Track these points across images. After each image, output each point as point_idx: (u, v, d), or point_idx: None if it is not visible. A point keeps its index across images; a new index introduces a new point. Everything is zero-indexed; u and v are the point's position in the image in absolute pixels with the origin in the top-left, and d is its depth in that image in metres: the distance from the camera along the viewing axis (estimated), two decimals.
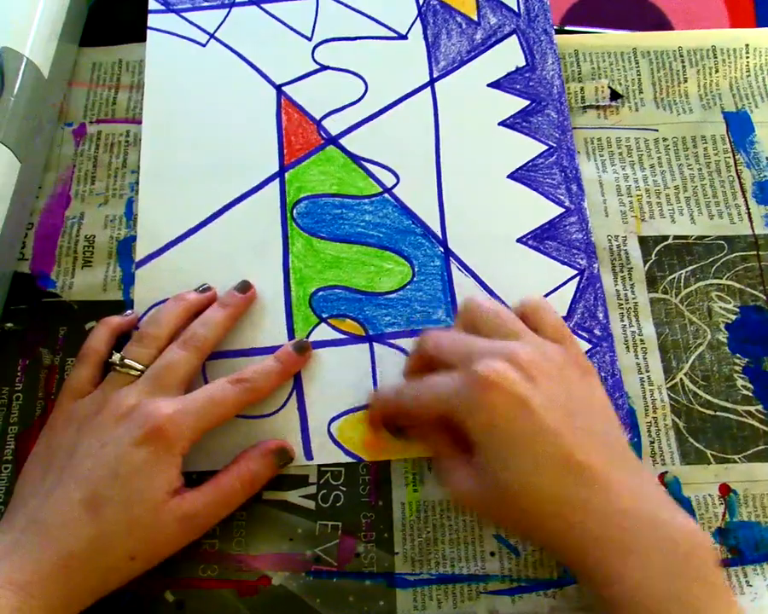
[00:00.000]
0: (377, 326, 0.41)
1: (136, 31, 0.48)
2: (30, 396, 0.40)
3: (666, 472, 0.38)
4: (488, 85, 0.46)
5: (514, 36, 0.47)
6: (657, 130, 0.46)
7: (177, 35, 0.47)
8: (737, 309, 0.42)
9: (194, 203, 0.43)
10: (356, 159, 0.44)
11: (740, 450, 0.39)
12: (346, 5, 0.48)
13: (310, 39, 0.47)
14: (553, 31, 0.48)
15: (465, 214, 0.43)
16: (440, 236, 0.43)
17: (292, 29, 0.47)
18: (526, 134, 0.45)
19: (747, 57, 0.48)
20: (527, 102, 0.46)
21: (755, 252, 0.43)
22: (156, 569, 0.35)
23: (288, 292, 0.41)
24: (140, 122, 0.46)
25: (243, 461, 0.36)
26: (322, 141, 0.44)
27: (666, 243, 0.43)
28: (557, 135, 0.45)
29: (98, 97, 0.47)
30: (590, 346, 0.41)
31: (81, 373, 0.38)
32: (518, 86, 0.46)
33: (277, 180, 0.44)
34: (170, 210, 0.43)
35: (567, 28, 0.49)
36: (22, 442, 0.39)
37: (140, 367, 0.37)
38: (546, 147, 0.45)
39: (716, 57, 0.48)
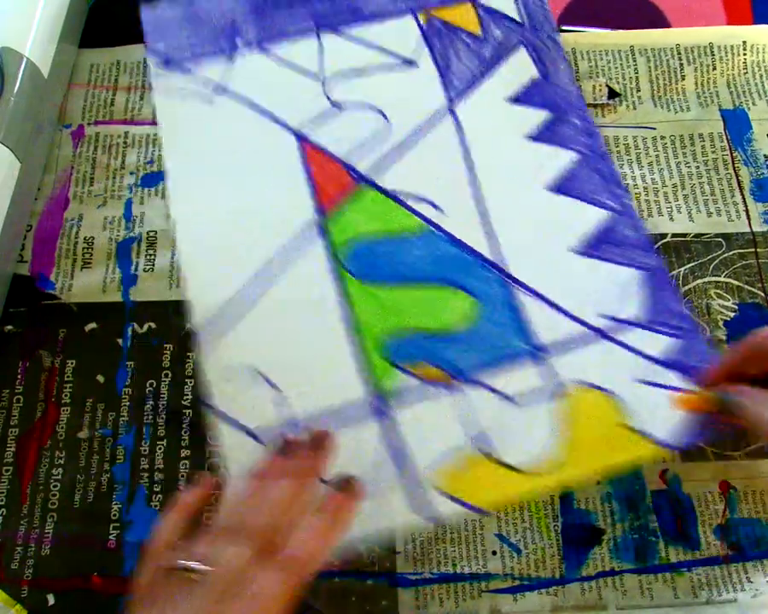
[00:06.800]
0: (457, 366, 0.39)
1: (134, 33, 0.47)
2: (30, 398, 0.39)
3: (667, 470, 0.39)
4: (507, 101, 0.45)
5: (522, 47, 0.47)
6: (655, 128, 0.46)
7: (184, 91, 0.45)
8: (736, 307, 0.42)
9: (238, 268, 0.41)
10: (393, 196, 0.43)
11: (740, 447, 0.39)
12: (349, 37, 0.47)
13: (320, 79, 0.45)
14: (559, 37, 0.47)
15: (515, 234, 0.42)
16: (495, 261, 0.41)
17: (299, 70, 0.46)
18: (556, 144, 0.44)
19: (745, 54, 0.48)
20: (549, 113, 0.45)
21: (753, 250, 0.43)
22: None
23: (357, 345, 0.39)
24: (138, 123, 0.46)
25: None
26: (356, 183, 0.43)
27: (664, 241, 0.43)
28: (585, 140, 0.44)
29: (96, 99, 0.47)
30: (678, 340, 0.39)
31: None
32: (536, 98, 0.45)
33: (319, 230, 0.42)
34: (215, 275, 0.41)
35: (564, 28, 0.49)
36: (23, 444, 0.39)
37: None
38: (578, 155, 0.44)
39: (713, 55, 0.48)
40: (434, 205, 0.42)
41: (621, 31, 0.49)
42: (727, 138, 0.46)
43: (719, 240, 0.43)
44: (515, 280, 0.41)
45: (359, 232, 0.42)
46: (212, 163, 0.44)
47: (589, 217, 0.42)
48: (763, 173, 0.45)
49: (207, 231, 0.42)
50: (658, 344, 0.39)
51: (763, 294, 0.42)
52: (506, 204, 0.43)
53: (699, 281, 0.42)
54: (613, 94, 0.47)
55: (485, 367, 0.39)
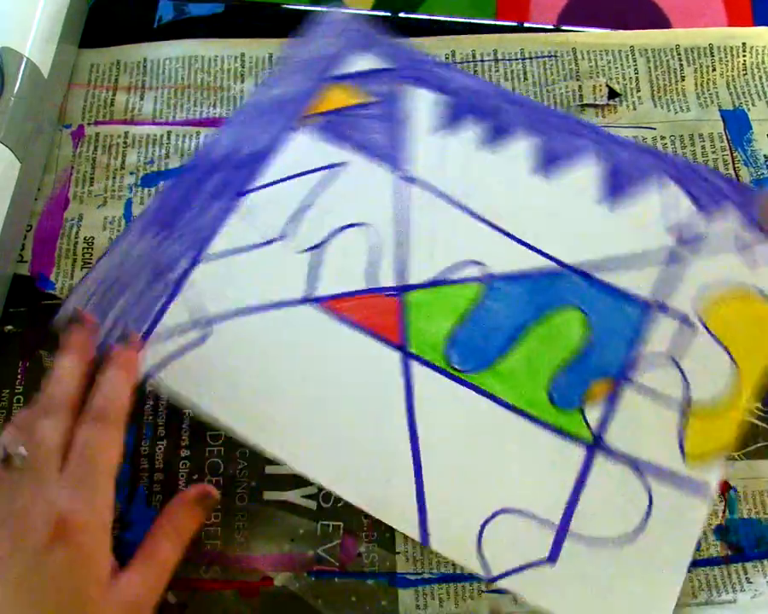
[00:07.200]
0: (618, 367, 0.39)
1: (134, 33, 0.48)
2: (31, 398, 0.39)
3: None
4: (447, 135, 0.44)
5: (412, 85, 0.45)
6: (655, 129, 0.46)
7: (175, 352, 0.39)
8: None
9: (387, 465, 0.38)
10: (437, 281, 0.41)
11: (739, 447, 0.39)
12: (265, 185, 0.43)
13: (281, 236, 0.42)
14: (432, 57, 0.47)
15: (550, 234, 0.42)
16: (559, 268, 0.41)
17: (254, 246, 0.41)
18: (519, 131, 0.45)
19: (744, 55, 0.48)
20: (491, 123, 0.45)
21: None
22: None
23: (539, 422, 0.38)
24: (138, 123, 0.46)
25: (166, 518, 0.34)
26: (397, 297, 0.40)
27: None
28: (538, 118, 0.45)
29: (96, 99, 0.47)
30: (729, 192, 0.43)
31: None
32: (471, 117, 0.45)
33: (410, 361, 0.39)
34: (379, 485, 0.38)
35: (564, 28, 0.49)
36: None
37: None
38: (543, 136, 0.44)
39: (713, 55, 0.48)
40: (475, 262, 0.41)
41: (621, 31, 0.49)
42: (727, 138, 0.46)
43: None
44: (586, 269, 0.41)
45: (439, 334, 0.40)
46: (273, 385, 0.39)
47: (587, 173, 0.43)
48: (763, 173, 0.45)
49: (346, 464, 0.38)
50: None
51: None
52: (512, 212, 0.43)
53: None
54: (613, 94, 0.47)
55: (633, 347, 0.39)
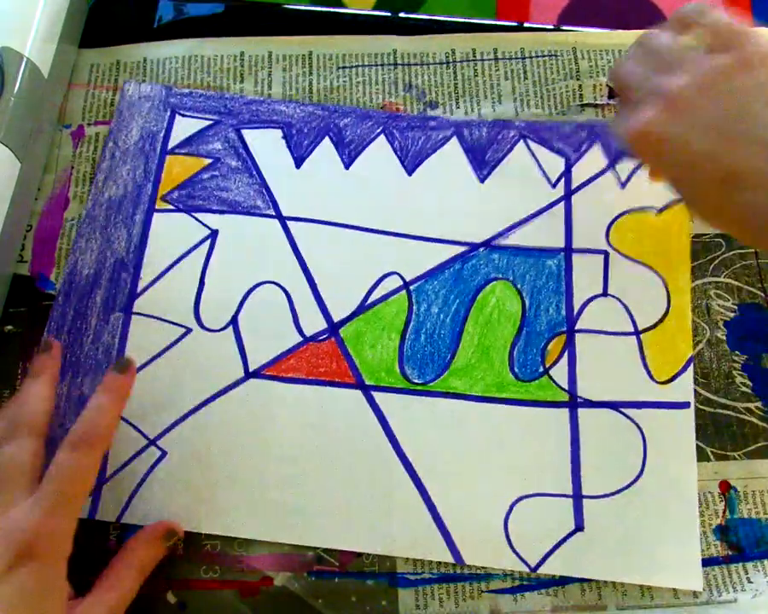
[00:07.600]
0: (561, 322, 0.40)
1: (134, 33, 0.48)
2: None
3: None
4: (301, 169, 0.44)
5: (241, 133, 0.45)
6: None
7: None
8: (735, 307, 0.42)
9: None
10: (365, 307, 0.41)
11: (740, 447, 0.39)
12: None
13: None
14: (238, 99, 0.46)
15: (444, 221, 0.43)
16: (472, 249, 0.42)
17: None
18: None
19: None
20: (341, 140, 0.44)
21: (753, 250, 0.43)
22: (157, 570, 0.35)
23: (508, 401, 0.39)
24: None
25: (130, 550, 0.35)
26: (331, 337, 0.40)
27: None
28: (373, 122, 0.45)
29: (96, 99, 0.47)
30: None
31: None
32: (318, 140, 0.44)
33: (371, 393, 0.39)
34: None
35: (564, 28, 0.49)
36: None
37: None
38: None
39: None
40: (391, 273, 0.41)
41: (621, 31, 0.49)
42: None
43: (719, 240, 0.43)
44: (493, 240, 0.42)
45: (388, 357, 0.40)
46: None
47: (453, 158, 0.44)
48: None
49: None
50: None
51: (763, 295, 0.42)
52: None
53: (699, 282, 0.42)
54: (613, 94, 0.47)
55: (568, 296, 0.41)
